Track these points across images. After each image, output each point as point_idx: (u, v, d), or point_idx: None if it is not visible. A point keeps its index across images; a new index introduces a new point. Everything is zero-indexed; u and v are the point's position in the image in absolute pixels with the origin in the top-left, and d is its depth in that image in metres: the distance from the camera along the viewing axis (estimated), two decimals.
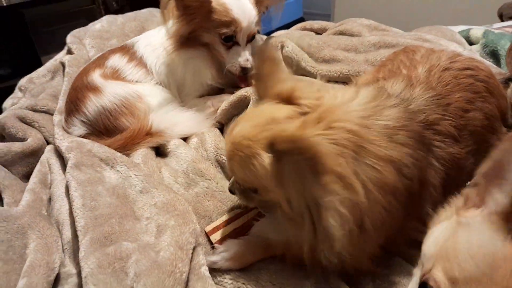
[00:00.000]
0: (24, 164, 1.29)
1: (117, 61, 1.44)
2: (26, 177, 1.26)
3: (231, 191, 0.92)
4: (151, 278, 0.73)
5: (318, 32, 1.81)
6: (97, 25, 1.81)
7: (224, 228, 0.98)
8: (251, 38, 1.45)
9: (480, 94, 1.00)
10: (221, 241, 0.94)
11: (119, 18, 1.84)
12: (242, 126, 0.79)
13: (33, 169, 1.26)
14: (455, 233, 0.60)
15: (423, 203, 0.83)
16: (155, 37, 1.49)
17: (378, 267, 0.85)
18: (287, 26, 2.00)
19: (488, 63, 1.36)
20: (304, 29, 1.83)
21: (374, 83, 1.02)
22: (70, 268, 0.92)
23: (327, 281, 0.81)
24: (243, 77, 1.46)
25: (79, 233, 0.91)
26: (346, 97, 0.83)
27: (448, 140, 0.89)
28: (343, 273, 0.84)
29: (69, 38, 1.73)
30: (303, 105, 0.80)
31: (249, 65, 1.43)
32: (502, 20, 2.57)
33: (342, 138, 0.71)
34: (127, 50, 1.47)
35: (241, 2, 1.40)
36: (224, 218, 1.01)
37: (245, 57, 1.42)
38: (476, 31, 1.79)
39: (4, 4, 3.20)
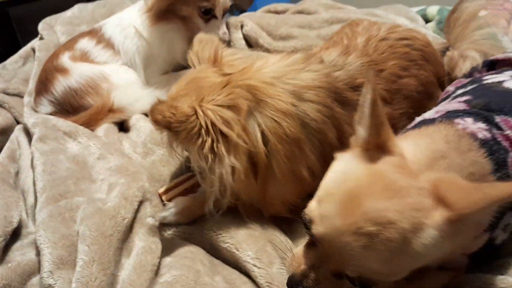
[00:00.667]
0: None
1: (86, 44, 1.50)
2: None
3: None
4: (93, 219, 0.81)
5: (282, 13, 1.88)
6: (69, 12, 1.88)
7: (175, 189, 1.06)
8: (225, 12, 1.52)
9: (415, 62, 1.08)
10: (171, 200, 1.02)
11: (90, 5, 1.92)
12: (173, 89, 0.91)
13: (3, 147, 1.33)
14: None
15: None
16: (124, 17, 1.54)
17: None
18: None
19: (427, 32, 1.43)
20: (269, 11, 1.90)
21: (320, 52, 1.09)
22: (31, 229, 1.00)
23: (257, 225, 0.88)
24: None
25: (38, 194, 0.99)
26: (270, 61, 0.92)
27: None
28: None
29: (40, 25, 1.79)
30: (223, 67, 0.90)
31: (226, 38, 1.50)
32: None
33: (239, 96, 0.82)
34: (95, 33, 1.53)
35: None
36: (175, 181, 1.09)
37: (223, 30, 1.49)
38: (432, 9, 1.87)
39: None
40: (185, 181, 1.09)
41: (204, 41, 0.96)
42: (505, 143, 0.74)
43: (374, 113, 0.61)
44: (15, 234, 0.94)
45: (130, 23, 1.49)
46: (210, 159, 0.80)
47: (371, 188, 0.58)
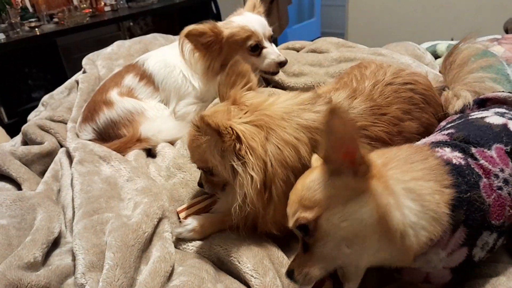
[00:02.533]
0: (41, 163, 1.56)
1: (131, 80, 1.71)
2: (42, 174, 1.54)
3: (200, 184, 1.18)
4: (119, 232, 0.97)
5: (299, 50, 2.04)
6: (109, 49, 2.12)
7: (191, 208, 1.21)
8: (271, 39, 1.69)
9: (417, 105, 1.18)
10: (187, 218, 1.17)
11: (127, 42, 2.16)
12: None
13: (48, 168, 1.54)
14: None
15: None
16: (168, 58, 1.73)
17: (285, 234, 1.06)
18: None
19: (429, 70, 1.54)
20: (287, 48, 2.08)
21: (330, 93, 1.20)
22: (69, 239, 1.18)
23: (257, 242, 1.02)
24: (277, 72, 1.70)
25: (75, 209, 1.17)
26: (282, 98, 1.07)
27: (374, 142, 1.06)
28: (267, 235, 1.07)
29: (84, 60, 2.04)
30: (242, 104, 1.04)
31: (282, 59, 1.64)
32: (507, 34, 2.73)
33: (259, 121, 0.97)
34: (138, 68, 1.74)
35: (249, 16, 1.67)
36: (192, 201, 1.25)
37: (276, 53, 1.65)
38: (441, 46, 1.99)
39: (38, 33, 3.60)
40: (200, 202, 1.25)
41: (227, 83, 1.10)
42: (479, 170, 0.85)
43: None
44: (55, 243, 1.12)
45: (175, 65, 1.68)
46: (240, 167, 0.93)
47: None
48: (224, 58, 1.60)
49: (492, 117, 0.99)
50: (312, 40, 2.06)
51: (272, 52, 1.64)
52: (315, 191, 0.75)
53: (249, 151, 0.92)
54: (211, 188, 1.16)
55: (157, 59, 1.72)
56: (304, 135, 0.99)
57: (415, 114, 1.15)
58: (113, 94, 1.65)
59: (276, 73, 1.71)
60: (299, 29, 5.45)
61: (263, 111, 0.99)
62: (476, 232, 0.82)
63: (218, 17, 4.43)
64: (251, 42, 1.59)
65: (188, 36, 1.53)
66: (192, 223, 1.13)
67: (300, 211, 0.76)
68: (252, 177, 0.91)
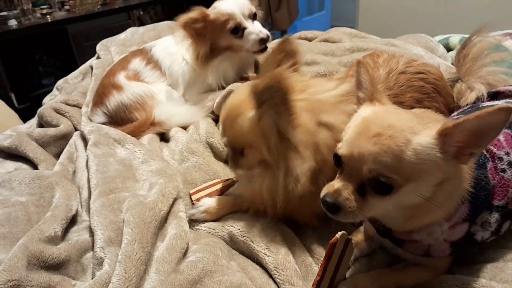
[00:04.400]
0: (57, 145, 1.60)
1: (137, 64, 1.74)
2: (58, 155, 1.57)
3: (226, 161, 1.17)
4: (136, 209, 1.00)
5: (311, 40, 2.06)
6: (122, 35, 2.14)
7: (203, 191, 1.24)
8: (253, 16, 1.68)
9: (428, 94, 1.20)
10: (199, 200, 1.20)
11: (141, 29, 2.18)
12: (233, 97, 1.05)
13: (64, 150, 1.57)
14: None
15: None
16: (171, 45, 1.76)
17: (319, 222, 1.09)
18: None
19: (441, 62, 1.55)
20: (300, 38, 2.09)
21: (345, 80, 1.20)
22: (85, 217, 1.20)
23: (275, 225, 1.05)
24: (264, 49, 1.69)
25: (92, 189, 1.20)
26: (326, 87, 1.06)
27: None
28: (291, 221, 1.08)
29: (98, 46, 2.07)
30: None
31: (263, 35, 1.64)
32: None
33: (313, 104, 0.97)
34: (145, 53, 1.78)
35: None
36: (204, 185, 1.27)
37: (257, 31, 1.64)
38: (454, 39, 2.00)
39: (49, 20, 3.62)
40: (212, 186, 1.27)
41: (273, 60, 1.06)
42: (485, 153, 0.89)
43: (372, 81, 0.83)
44: (73, 220, 1.15)
45: (177, 52, 1.71)
46: (298, 146, 0.93)
47: (377, 117, 0.77)
48: (211, 43, 1.63)
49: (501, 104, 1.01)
50: None
51: (252, 31, 1.63)
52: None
53: (306, 130, 0.93)
54: (236, 169, 1.14)
55: (163, 46, 1.75)
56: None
57: (426, 103, 1.17)
58: (121, 77, 1.68)
59: (263, 50, 1.69)
60: (309, 21, 5.43)
61: (314, 95, 0.99)
62: (477, 209, 0.85)
63: None
64: (230, 25, 1.61)
65: (185, 26, 1.56)
66: (205, 204, 1.16)
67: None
68: (306, 158, 0.92)
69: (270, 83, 0.89)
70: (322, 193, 0.80)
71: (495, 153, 0.89)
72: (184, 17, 1.56)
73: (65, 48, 3.95)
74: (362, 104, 0.86)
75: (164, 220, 1.05)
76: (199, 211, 1.14)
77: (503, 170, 0.88)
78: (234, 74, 1.72)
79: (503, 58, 1.56)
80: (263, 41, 1.64)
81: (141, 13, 4.64)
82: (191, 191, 1.24)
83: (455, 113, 1.18)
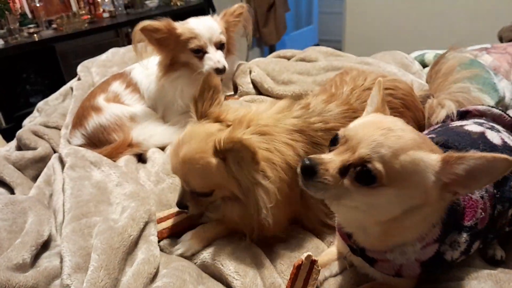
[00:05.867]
0: (34, 168, 1.60)
1: (117, 87, 1.77)
2: (35, 178, 1.57)
3: (181, 205, 1.13)
4: (105, 235, 1.01)
5: (289, 58, 2.09)
6: (103, 56, 2.17)
7: (166, 221, 1.22)
8: (220, 46, 1.71)
9: (396, 109, 1.23)
10: (164, 233, 1.18)
11: (121, 49, 2.21)
12: (189, 146, 1.04)
13: (41, 173, 1.57)
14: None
15: None
16: (149, 65, 1.76)
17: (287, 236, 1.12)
18: None
19: (414, 79, 1.58)
20: (279, 56, 2.12)
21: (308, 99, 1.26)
22: (58, 242, 1.20)
23: (245, 247, 1.08)
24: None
25: (65, 213, 1.20)
26: (260, 109, 1.13)
27: None
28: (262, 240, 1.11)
29: (79, 67, 2.08)
30: (227, 121, 1.09)
31: (220, 66, 1.66)
32: (502, 42, 2.78)
33: (260, 130, 1.02)
34: (125, 76, 1.80)
35: (203, 20, 1.70)
36: (167, 212, 1.25)
37: (215, 60, 1.66)
38: (429, 55, 2.04)
39: (36, 39, 3.64)
40: (173, 216, 1.23)
41: (204, 99, 1.12)
42: None
43: (382, 95, 0.88)
44: (45, 246, 1.15)
45: (153, 72, 1.73)
46: (261, 180, 0.98)
47: (389, 119, 0.80)
48: (173, 55, 1.66)
49: (471, 125, 1.05)
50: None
51: (212, 58, 1.66)
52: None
53: (267, 163, 0.98)
54: (198, 209, 1.15)
55: (141, 69, 1.76)
56: (298, 136, 1.06)
57: None
58: (100, 100, 1.69)
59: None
60: (297, 36, 5.50)
61: (256, 121, 1.04)
62: (447, 229, 0.87)
63: None
64: (193, 45, 1.63)
65: (143, 30, 1.57)
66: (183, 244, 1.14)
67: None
68: (270, 188, 0.97)
69: (236, 149, 0.94)
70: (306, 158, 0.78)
71: None
72: (145, 23, 1.58)
73: (53, 66, 3.97)
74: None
75: (134, 244, 1.06)
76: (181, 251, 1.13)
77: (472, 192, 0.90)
78: (191, 92, 1.69)
79: (476, 74, 1.60)
80: (218, 71, 1.66)
81: (129, 30, 4.68)
82: (158, 216, 1.23)
83: (426, 131, 1.20)
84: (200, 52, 1.66)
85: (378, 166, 0.71)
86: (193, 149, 1.02)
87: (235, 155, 0.96)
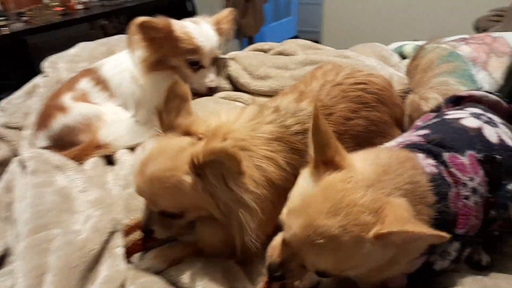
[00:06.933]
0: None
1: (85, 84, 1.64)
2: None
3: (147, 229, 1.02)
4: (62, 251, 0.92)
5: (267, 51, 2.01)
6: (72, 50, 2.04)
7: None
8: (214, 60, 1.65)
9: (367, 104, 1.17)
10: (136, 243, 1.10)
11: (91, 44, 2.08)
12: (157, 163, 0.93)
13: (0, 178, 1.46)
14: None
15: None
16: (121, 61, 1.67)
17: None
18: None
19: (394, 72, 1.53)
20: (256, 49, 2.04)
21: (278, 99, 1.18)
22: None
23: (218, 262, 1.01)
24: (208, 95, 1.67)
25: (23, 225, 1.10)
26: (231, 118, 1.04)
27: None
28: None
29: (46, 63, 1.96)
30: (197, 133, 0.99)
31: (214, 85, 1.62)
32: (478, 32, 2.75)
33: (238, 146, 0.92)
34: (94, 73, 1.68)
35: (204, 29, 1.60)
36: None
37: (211, 78, 1.61)
38: (408, 47, 1.99)
39: (8, 32, 3.48)
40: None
41: (171, 109, 1.02)
42: (449, 179, 0.84)
43: (316, 136, 0.74)
44: (1, 261, 1.06)
45: (126, 68, 1.62)
46: (243, 194, 0.89)
47: (322, 206, 0.70)
48: (162, 56, 1.56)
49: (468, 119, 0.99)
50: (289, 39, 2.03)
51: (207, 76, 1.60)
52: None
53: (249, 181, 0.90)
54: (167, 232, 1.04)
55: (112, 65, 1.66)
56: (277, 145, 0.98)
57: (363, 113, 1.15)
58: (66, 99, 1.58)
59: (204, 95, 1.68)
60: (276, 27, 5.42)
61: (232, 134, 0.96)
62: None
63: (193, 16, 4.36)
64: (192, 57, 1.54)
65: (140, 26, 1.47)
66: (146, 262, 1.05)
67: None
68: (253, 206, 0.90)
69: (220, 160, 0.84)
70: (268, 258, 0.79)
71: (459, 178, 0.85)
72: (145, 19, 1.47)
73: (25, 60, 3.81)
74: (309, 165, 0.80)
75: (96, 259, 0.97)
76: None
77: (467, 197, 0.84)
78: None
79: (454, 68, 1.55)
80: (210, 90, 1.60)
81: (105, 22, 4.52)
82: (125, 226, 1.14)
83: (420, 122, 1.14)
84: (197, 65, 1.57)
85: (332, 270, 0.73)
86: (162, 166, 0.92)
87: (217, 168, 0.86)
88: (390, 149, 0.89)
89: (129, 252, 1.06)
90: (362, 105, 1.16)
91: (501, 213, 0.88)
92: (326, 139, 0.74)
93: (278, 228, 0.81)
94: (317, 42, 2.07)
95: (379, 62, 1.63)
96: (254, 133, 0.99)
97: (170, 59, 1.58)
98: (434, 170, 0.84)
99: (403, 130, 1.27)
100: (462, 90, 1.35)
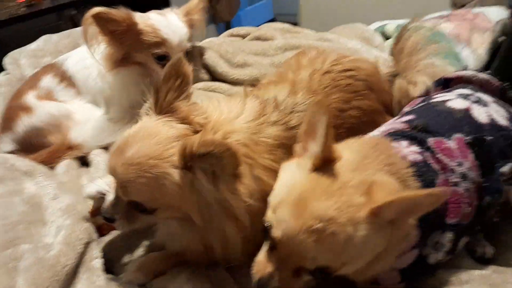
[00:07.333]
0: None
1: (49, 82, 1.52)
2: None
3: (109, 215, 0.90)
4: (32, 271, 0.84)
5: (244, 37, 1.92)
6: (33, 45, 1.91)
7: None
8: (185, 54, 1.51)
9: (358, 92, 1.11)
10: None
11: (54, 36, 1.95)
12: (140, 146, 0.81)
13: None
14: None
15: None
16: (85, 55, 1.50)
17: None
18: None
19: (378, 55, 1.47)
20: (232, 35, 1.95)
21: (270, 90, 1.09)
22: None
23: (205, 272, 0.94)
24: None
25: None
26: (232, 113, 0.92)
27: None
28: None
29: (6, 59, 1.83)
30: (195, 124, 0.86)
31: None
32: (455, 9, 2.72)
33: (240, 150, 0.80)
34: (57, 69, 1.55)
35: (170, 20, 1.46)
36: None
37: None
38: (390, 26, 1.93)
39: None
40: None
41: (168, 88, 0.88)
42: (436, 165, 0.80)
43: (327, 135, 0.69)
44: None
45: (92, 63, 1.48)
46: (233, 201, 0.80)
47: (315, 191, 0.67)
48: (127, 51, 1.43)
49: (455, 100, 0.94)
50: (265, 23, 1.94)
51: None
52: None
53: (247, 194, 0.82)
54: (129, 227, 0.93)
55: (77, 59, 1.53)
56: (281, 153, 0.90)
57: (355, 102, 1.10)
58: (30, 98, 1.46)
59: None
60: (252, 11, 5.29)
61: (233, 134, 0.86)
62: (427, 231, 0.78)
63: (167, 6, 4.20)
64: (158, 50, 1.43)
65: (96, 18, 1.33)
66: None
67: None
68: (243, 218, 0.82)
69: (218, 155, 0.73)
70: (254, 275, 0.73)
71: (446, 164, 0.80)
72: (101, 9, 1.33)
73: None
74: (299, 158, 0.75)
75: (72, 276, 0.89)
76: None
77: (456, 184, 0.80)
78: (137, 92, 1.41)
79: (440, 49, 1.50)
80: None
81: (74, 12, 4.32)
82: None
83: (407, 107, 1.09)
84: (164, 60, 1.44)
85: (328, 265, 0.69)
86: (146, 152, 0.80)
87: (210, 164, 0.75)
88: (360, 138, 0.83)
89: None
90: (353, 94, 1.10)
91: (496, 198, 0.84)
92: (330, 140, 0.71)
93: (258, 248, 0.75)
94: (295, 24, 1.99)
95: (362, 44, 1.57)
96: (257, 137, 0.88)
97: (135, 55, 1.45)
98: (419, 157, 0.79)
99: (393, 116, 1.22)
100: (451, 71, 1.31)
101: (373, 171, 0.70)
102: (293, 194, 0.69)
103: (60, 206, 1.10)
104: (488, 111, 0.89)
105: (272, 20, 5.11)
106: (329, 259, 0.67)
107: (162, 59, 1.44)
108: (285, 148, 0.89)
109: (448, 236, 0.80)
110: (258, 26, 2.19)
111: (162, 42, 1.41)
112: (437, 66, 1.24)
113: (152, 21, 1.42)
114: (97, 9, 1.31)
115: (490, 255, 0.92)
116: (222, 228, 0.82)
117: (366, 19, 2.16)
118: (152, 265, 0.96)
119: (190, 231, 0.87)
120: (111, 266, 1.01)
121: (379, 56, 1.48)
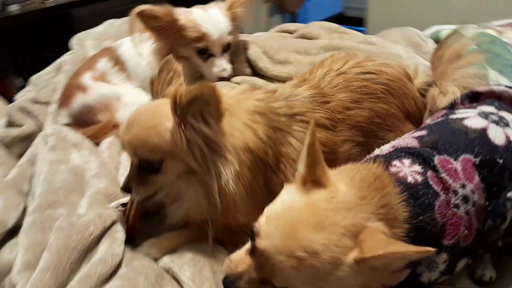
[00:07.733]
0: (21, 146, 1.56)
1: (104, 65, 1.67)
2: (21, 156, 1.53)
3: (127, 187, 1.03)
4: (63, 232, 0.96)
5: (293, 33, 1.95)
6: (99, 28, 2.08)
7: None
8: (226, 48, 1.58)
9: (373, 95, 1.14)
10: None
11: (117, 21, 2.11)
12: (142, 116, 0.99)
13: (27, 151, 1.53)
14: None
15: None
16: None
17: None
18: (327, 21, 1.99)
19: (422, 67, 1.43)
20: (281, 30, 1.98)
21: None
22: None
23: (202, 250, 1.02)
24: None
25: (34, 200, 1.15)
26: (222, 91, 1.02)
27: None
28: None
29: (73, 40, 2.01)
30: None
31: (225, 75, 1.56)
32: None
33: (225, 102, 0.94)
34: (112, 53, 1.69)
35: (211, 15, 1.53)
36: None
37: (220, 68, 1.56)
38: (446, 32, 1.85)
39: (53, 4, 3.58)
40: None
41: (163, 80, 1.05)
42: (437, 187, 0.79)
43: (310, 155, 0.73)
44: (14, 231, 1.10)
45: (143, 52, 1.60)
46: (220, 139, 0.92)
47: (307, 220, 0.69)
48: (172, 47, 1.52)
49: (473, 118, 0.91)
50: (334, 15, 1.94)
51: (218, 65, 1.53)
52: None
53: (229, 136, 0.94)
54: (144, 192, 1.03)
55: (129, 46, 1.64)
56: (259, 118, 0.99)
57: (366, 103, 1.13)
58: (87, 78, 1.61)
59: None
60: (320, 2, 5.22)
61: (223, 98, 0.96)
62: None
63: None
64: (199, 45, 1.49)
65: (140, 15, 1.44)
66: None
67: None
68: (232, 162, 0.92)
69: (201, 96, 0.87)
70: (225, 269, 0.77)
71: (450, 185, 0.80)
72: (144, 7, 1.44)
73: (69, 33, 3.89)
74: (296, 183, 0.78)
75: (96, 242, 0.99)
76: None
77: (456, 206, 0.79)
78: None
79: (495, 55, 1.44)
80: (222, 79, 1.55)
81: None
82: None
83: (429, 120, 1.08)
84: (205, 54, 1.53)
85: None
86: (143, 112, 1.01)
87: (197, 107, 0.88)
88: (364, 168, 0.82)
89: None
90: (366, 96, 1.13)
91: (498, 223, 0.81)
92: (318, 159, 0.74)
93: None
94: (362, 19, 1.95)
95: (407, 50, 1.54)
96: (239, 104, 1.01)
97: (179, 49, 1.54)
98: (420, 178, 0.79)
99: (416, 126, 1.20)
100: (500, 80, 1.25)
101: (367, 215, 0.71)
102: (288, 216, 0.72)
103: (99, 186, 1.21)
104: (507, 132, 0.86)
105: (341, 14, 5.01)
106: (299, 285, 0.69)
107: (203, 53, 1.51)
108: (263, 116, 1.01)
109: (443, 257, 0.79)
110: (326, 18, 2.15)
111: (202, 37, 1.48)
112: (476, 77, 1.18)
113: (193, 16, 1.50)
114: (140, 8, 1.42)
115: (487, 278, 0.90)
116: (215, 166, 0.92)
117: (436, 21, 2.06)
118: (166, 243, 1.06)
119: (194, 185, 0.98)
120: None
121: (421, 63, 1.44)
